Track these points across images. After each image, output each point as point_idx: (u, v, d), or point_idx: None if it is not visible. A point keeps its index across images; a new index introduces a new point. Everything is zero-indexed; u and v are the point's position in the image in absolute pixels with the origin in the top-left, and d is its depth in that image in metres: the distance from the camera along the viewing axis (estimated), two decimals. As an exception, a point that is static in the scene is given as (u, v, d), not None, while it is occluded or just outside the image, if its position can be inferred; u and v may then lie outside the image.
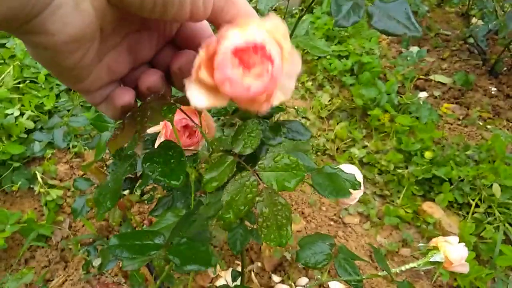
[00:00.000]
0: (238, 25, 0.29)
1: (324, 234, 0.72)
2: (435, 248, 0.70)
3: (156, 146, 0.60)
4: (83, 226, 1.26)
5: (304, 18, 0.77)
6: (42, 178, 1.33)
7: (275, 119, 0.64)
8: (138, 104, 0.45)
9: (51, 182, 1.34)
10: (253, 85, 0.29)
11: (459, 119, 1.73)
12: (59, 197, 1.31)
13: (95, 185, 0.85)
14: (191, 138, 0.64)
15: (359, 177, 0.75)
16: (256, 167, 0.42)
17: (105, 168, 0.90)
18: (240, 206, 0.41)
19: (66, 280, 1.14)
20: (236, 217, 0.41)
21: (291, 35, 0.74)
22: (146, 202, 0.95)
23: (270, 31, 0.30)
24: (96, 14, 0.25)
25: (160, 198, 0.79)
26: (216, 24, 0.31)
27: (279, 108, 0.63)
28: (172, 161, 0.47)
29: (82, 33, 0.25)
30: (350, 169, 0.75)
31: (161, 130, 0.60)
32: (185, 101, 0.55)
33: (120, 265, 1.10)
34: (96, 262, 0.92)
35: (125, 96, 0.33)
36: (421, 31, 0.52)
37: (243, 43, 0.28)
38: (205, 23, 0.35)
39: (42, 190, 1.31)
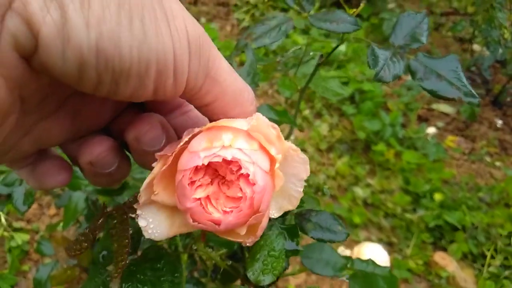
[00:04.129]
0: (207, 131, 0.22)
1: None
2: None
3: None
4: (51, 278, 1.10)
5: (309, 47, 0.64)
6: (6, 220, 1.16)
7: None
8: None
9: (16, 224, 1.17)
10: (224, 220, 0.21)
11: (464, 154, 1.63)
12: (25, 242, 1.14)
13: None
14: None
15: (386, 259, 0.63)
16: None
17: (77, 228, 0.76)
18: None
19: None
20: None
21: (307, 84, 0.60)
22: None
23: (255, 135, 0.21)
24: (8, 84, 0.17)
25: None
26: (193, 104, 0.23)
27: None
28: (162, 279, 0.33)
29: None
30: (375, 251, 0.64)
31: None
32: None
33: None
34: None
35: (58, 176, 0.24)
36: (478, 97, 0.41)
37: (206, 162, 0.20)
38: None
39: (6, 234, 1.14)
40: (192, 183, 0.21)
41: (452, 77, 0.42)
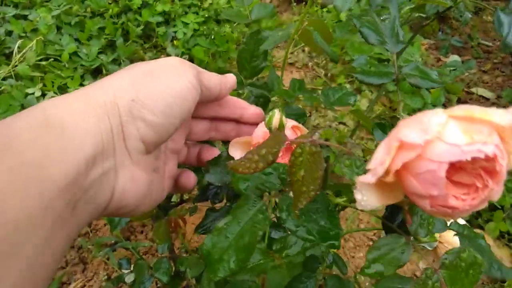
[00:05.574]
0: (459, 117, 0.21)
1: (402, 277, 0.63)
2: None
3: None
4: (104, 224, 1.15)
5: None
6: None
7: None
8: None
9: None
10: (462, 207, 0.22)
11: (502, 139, 1.64)
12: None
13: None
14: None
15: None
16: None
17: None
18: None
19: (84, 285, 1.03)
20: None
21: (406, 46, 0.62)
22: (189, 214, 0.84)
23: (502, 130, 0.22)
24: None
25: (208, 213, 0.68)
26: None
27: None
28: (318, 215, 0.33)
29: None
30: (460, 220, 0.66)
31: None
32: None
33: (157, 284, 0.99)
34: (129, 277, 0.81)
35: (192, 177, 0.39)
36: None
37: (469, 157, 0.20)
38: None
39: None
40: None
41: None
